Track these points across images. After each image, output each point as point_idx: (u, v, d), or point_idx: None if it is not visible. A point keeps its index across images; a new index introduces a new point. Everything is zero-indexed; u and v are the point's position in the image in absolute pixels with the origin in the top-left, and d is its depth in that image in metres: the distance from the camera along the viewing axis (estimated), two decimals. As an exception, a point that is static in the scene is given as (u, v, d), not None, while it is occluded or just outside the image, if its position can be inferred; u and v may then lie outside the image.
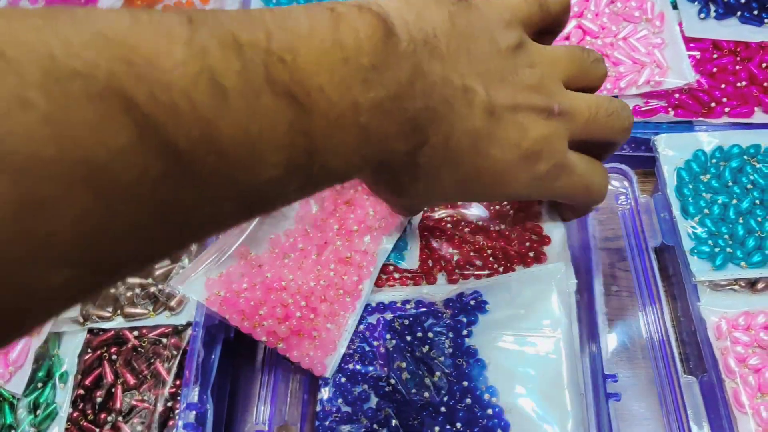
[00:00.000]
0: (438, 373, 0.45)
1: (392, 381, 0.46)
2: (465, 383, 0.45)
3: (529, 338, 0.46)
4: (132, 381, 0.48)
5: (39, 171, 0.17)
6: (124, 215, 0.20)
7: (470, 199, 0.38)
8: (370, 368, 0.47)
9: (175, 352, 0.49)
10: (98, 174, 0.19)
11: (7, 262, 0.17)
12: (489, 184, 0.35)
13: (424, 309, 0.48)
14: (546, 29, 0.38)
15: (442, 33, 0.30)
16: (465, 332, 0.47)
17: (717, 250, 0.51)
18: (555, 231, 0.49)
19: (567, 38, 0.64)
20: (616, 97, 0.61)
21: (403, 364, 0.46)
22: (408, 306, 0.49)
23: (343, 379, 0.46)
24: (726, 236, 0.52)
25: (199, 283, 0.45)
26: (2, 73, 0.17)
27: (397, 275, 0.51)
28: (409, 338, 0.47)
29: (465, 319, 0.47)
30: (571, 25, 0.65)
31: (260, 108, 0.22)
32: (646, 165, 0.59)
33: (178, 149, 0.20)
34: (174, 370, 0.49)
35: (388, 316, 0.48)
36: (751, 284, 0.51)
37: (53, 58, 0.18)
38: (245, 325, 0.44)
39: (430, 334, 0.47)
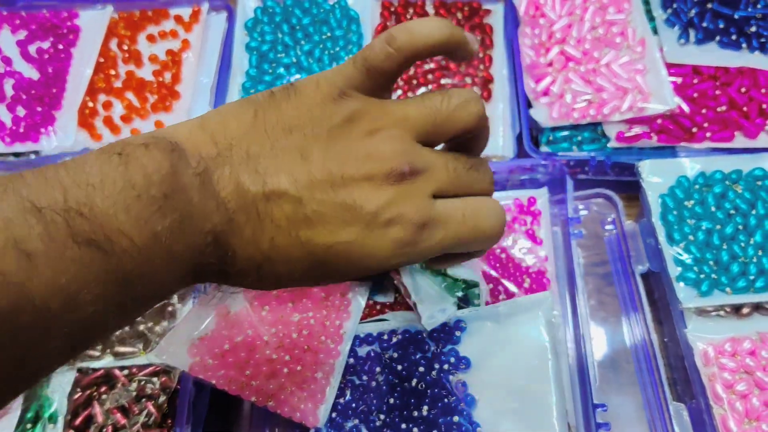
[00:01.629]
0: (426, 407, 0.45)
1: (382, 416, 0.46)
2: (455, 418, 0.45)
3: (517, 370, 0.46)
4: (122, 421, 0.48)
5: None
6: None
7: (340, 279, 0.36)
8: (361, 403, 0.47)
9: (165, 392, 0.49)
10: None
11: None
12: (343, 266, 0.33)
13: (411, 341, 0.48)
14: (391, 73, 0.35)
15: (239, 140, 0.31)
16: (453, 362, 0.47)
17: (702, 276, 0.52)
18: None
19: (550, 65, 0.65)
20: (599, 124, 0.62)
21: (391, 400, 0.46)
22: (394, 338, 0.49)
23: (333, 414, 0.46)
24: (711, 262, 0.53)
25: (181, 350, 0.45)
26: None
27: (378, 307, 0.51)
28: (398, 372, 0.47)
29: (452, 353, 0.47)
30: (554, 52, 0.65)
31: (66, 261, 0.25)
32: (631, 189, 0.60)
33: None
34: (164, 409, 0.48)
35: (378, 348, 0.49)
36: (736, 309, 0.52)
37: None
38: (232, 387, 0.44)
39: (421, 368, 0.47)
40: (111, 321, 0.29)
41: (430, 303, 0.43)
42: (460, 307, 0.48)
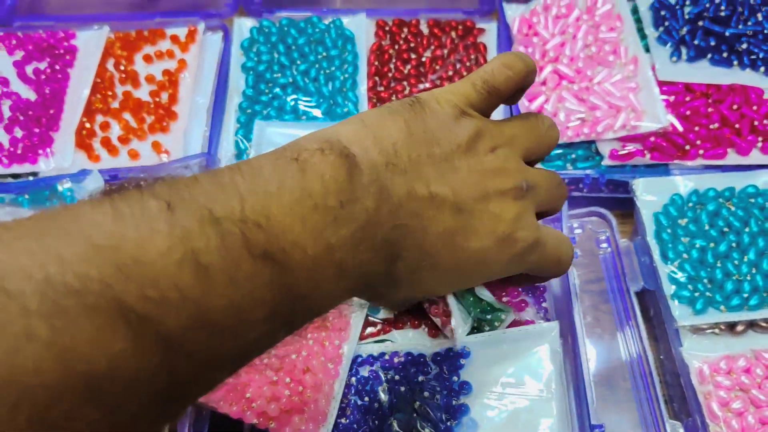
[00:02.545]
0: (427, 430, 0.46)
1: (381, 437, 0.46)
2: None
3: (520, 398, 0.46)
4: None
5: (48, 398, 0.19)
6: (126, 412, 0.21)
7: (448, 290, 0.41)
8: (363, 423, 0.47)
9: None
10: (99, 384, 0.20)
11: None
12: (469, 272, 0.36)
13: (414, 363, 0.49)
14: (509, 96, 0.38)
15: (402, 146, 0.32)
16: (455, 388, 0.47)
17: (697, 294, 0.52)
18: None
19: (544, 83, 0.66)
20: (592, 142, 0.63)
21: (394, 423, 0.46)
22: (396, 359, 0.49)
23: (335, 434, 0.46)
24: (705, 280, 0.53)
25: None
26: (7, 308, 0.19)
27: (378, 326, 0.51)
28: (400, 394, 0.47)
29: (455, 378, 0.48)
30: (546, 70, 0.66)
31: (241, 275, 0.24)
32: (625, 206, 0.61)
33: (170, 337, 0.22)
34: (165, 431, 0.48)
35: (380, 369, 0.49)
36: (731, 327, 0.52)
37: (48, 279, 0.20)
38: (233, 410, 0.44)
39: (426, 393, 0.47)
40: (278, 337, 0.28)
41: (461, 326, 0.45)
42: (473, 329, 0.49)
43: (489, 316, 0.44)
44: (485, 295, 0.44)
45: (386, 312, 0.51)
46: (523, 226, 0.35)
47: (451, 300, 0.44)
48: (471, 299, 0.44)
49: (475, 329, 0.48)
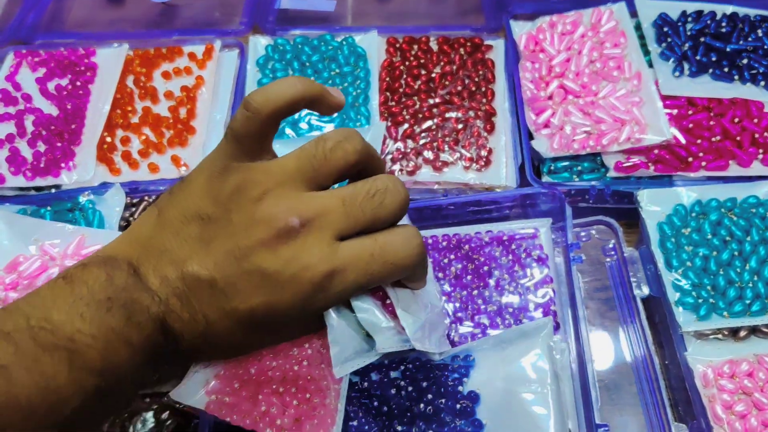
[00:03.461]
0: None
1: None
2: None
3: (519, 394, 0.48)
4: (144, 446, 0.50)
5: None
6: None
7: (283, 337, 0.43)
8: (374, 425, 0.48)
9: (187, 419, 0.51)
10: None
11: None
12: (273, 322, 0.36)
13: (421, 369, 0.50)
14: (259, 136, 0.37)
15: (152, 237, 0.37)
16: (460, 390, 0.49)
17: (700, 301, 0.54)
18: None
19: (550, 98, 0.68)
20: (598, 154, 0.65)
21: (399, 428, 0.48)
22: (404, 365, 0.51)
23: (348, 437, 0.48)
24: (708, 287, 0.55)
25: (198, 390, 0.47)
26: None
27: None
28: (408, 397, 0.49)
29: (461, 380, 0.49)
30: (553, 85, 0.68)
31: (41, 367, 0.31)
32: (630, 216, 0.62)
33: None
34: (185, 434, 0.50)
35: (389, 374, 0.50)
36: (734, 332, 0.54)
37: None
38: (247, 422, 0.46)
39: (429, 395, 0.49)
40: (97, 410, 0.34)
41: (345, 344, 0.39)
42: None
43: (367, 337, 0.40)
44: (362, 316, 0.39)
45: None
46: (300, 266, 0.34)
47: (331, 324, 0.39)
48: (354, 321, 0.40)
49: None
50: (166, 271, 0.36)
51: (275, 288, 0.35)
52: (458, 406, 0.48)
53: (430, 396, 0.49)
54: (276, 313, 0.36)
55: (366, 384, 0.50)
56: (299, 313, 0.36)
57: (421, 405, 0.48)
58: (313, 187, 0.36)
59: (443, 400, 0.49)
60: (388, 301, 0.40)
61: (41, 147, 0.69)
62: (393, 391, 0.50)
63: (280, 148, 0.64)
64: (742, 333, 0.54)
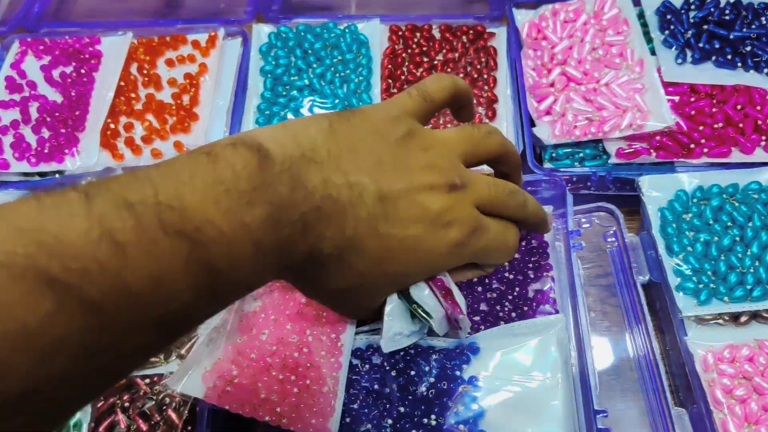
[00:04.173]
0: (434, 416, 0.47)
1: (390, 421, 0.48)
2: (461, 426, 0.47)
3: (526, 386, 0.48)
4: (145, 428, 0.50)
5: None
6: (59, 366, 0.25)
7: (392, 283, 0.40)
8: (374, 408, 0.49)
9: (186, 399, 0.51)
10: (32, 338, 0.24)
11: None
12: (405, 262, 0.38)
13: (423, 354, 0.50)
14: (453, 108, 0.43)
15: (321, 143, 0.35)
16: (465, 377, 0.49)
17: (701, 286, 0.54)
18: None
19: (552, 85, 0.68)
20: (599, 141, 0.65)
21: (402, 409, 0.48)
22: (406, 348, 0.51)
23: (348, 420, 0.48)
24: (709, 272, 0.55)
25: (195, 378, 0.47)
26: None
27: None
28: (409, 380, 0.49)
29: (464, 366, 0.49)
30: (555, 73, 0.68)
31: (158, 250, 0.27)
32: (631, 203, 0.62)
33: (93, 303, 0.25)
34: (185, 416, 0.50)
35: (390, 358, 0.51)
36: (735, 318, 0.54)
37: None
38: (246, 410, 0.46)
39: (431, 379, 0.49)
40: (202, 309, 0.31)
41: (399, 322, 0.43)
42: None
43: (420, 319, 0.43)
44: (418, 295, 0.42)
45: None
46: (456, 216, 0.38)
47: (390, 301, 0.42)
48: (411, 305, 0.43)
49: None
50: (331, 175, 0.34)
51: (430, 226, 0.37)
52: (459, 390, 0.49)
53: (432, 380, 0.49)
54: (417, 252, 0.37)
55: (366, 367, 0.50)
56: (434, 259, 0.39)
57: (422, 388, 0.49)
58: (466, 161, 0.40)
59: (444, 384, 0.49)
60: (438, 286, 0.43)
61: (45, 133, 0.69)
62: (393, 374, 0.50)
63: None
64: (743, 318, 0.53)
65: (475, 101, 0.69)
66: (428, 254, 0.38)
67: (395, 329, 0.42)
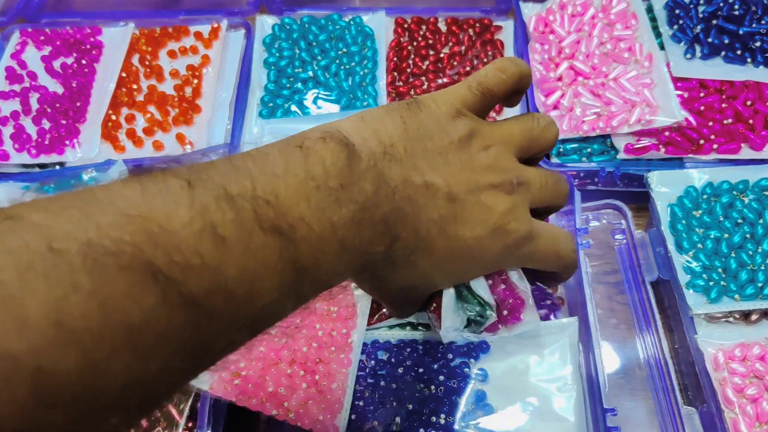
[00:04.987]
0: (443, 415, 0.46)
1: (398, 420, 0.47)
2: (471, 426, 0.46)
3: (537, 388, 0.47)
4: (145, 423, 0.49)
5: (92, 341, 0.21)
6: (158, 361, 0.24)
7: (448, 282, 0.40)
8: (380, 406, 0.48)
9: (187, 395, 0.50)
10: (135, 332, 0.23)
11: (72, 413, 0.22)
12: (464, 261, 0.37)
13: (432, 351, 0.50)
14: (506, 98, 0.41)
15: (398, 140, 0.34)
16: (474, 376, 0.48)
17: (711, 283, 0.53)
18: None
19: (560, 79, 0.67)
20: (608, 136, 0.64)
21: (410, 406, 0.47)
22: (416, 346, 0.50)
23: (353, 416, 0.47)
24: (720, 270, 0.54)
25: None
26: (55, 264, 0.21)
27: (386, 311, 0.52)
28: (418, 378, 0.48)
29: (472, 362, 0.49)
30: (563, 67, 0.67)
31: (253, 246, 0.27)
32: (640, 200, 0.62)
33: (194, 298, 0.24)
34: (186, 412, 0.50)
35: (399, 355, 0.50)
36: (745, 316, 0.53)
37: (90, 242, 0.22)
38: (252, 402, 0.45)
39: (441, 377, 0.48)
40: (287, 309, 0.31)
41: (452, 316, 0.42)
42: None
43: (477, 309, 0.42)
44: (479, 285, 0.42)
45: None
46: (515, 218, 0.37)
47: (447, 294, 0.42)
48: (465, 294, 0.43)
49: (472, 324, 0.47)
50: (411, 174, 0.34)
51: (492, 228, 0.36)
52: (467, 388, 0.48)
53: (441, 378, 0.48)
54: (475, 252, 0.37)
55: (373, 363, 0.50)
56: (488, 261, 0.38)
57: (432, 386, 0.48)
58: (521, 156, 0.40)
59: (454, 381, 0.48)
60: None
61: (46, 124, 0.68)
62: (401, 371, 0.49)
63: (284, 125, 0.65)
64: (754, 316, 0.53)
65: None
66: (485, 255, 0.37)
67: (449, 323, 0.42)
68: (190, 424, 0.49)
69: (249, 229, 0.26)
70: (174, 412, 0.50)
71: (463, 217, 0.36)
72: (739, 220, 0.56)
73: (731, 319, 0.53)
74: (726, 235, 0.55)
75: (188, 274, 0.24)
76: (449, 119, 0.37)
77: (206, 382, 0.46)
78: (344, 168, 0.31)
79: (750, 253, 0.54)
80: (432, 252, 0.36)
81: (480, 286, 0.41)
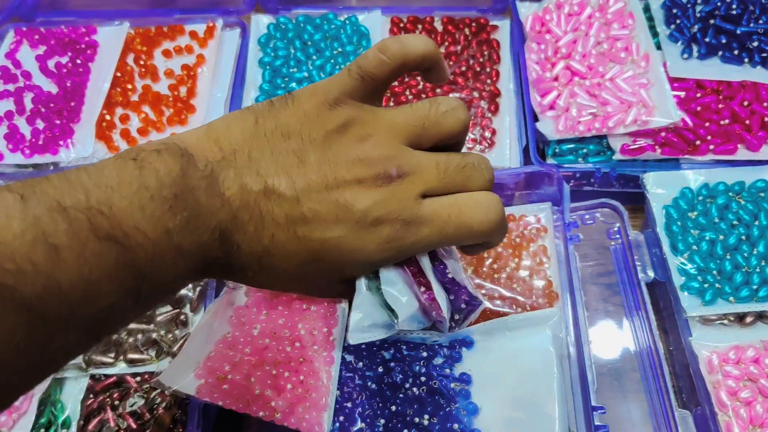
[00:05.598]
0: (427, 416, 0.46)
1: (383, 421, 0.47)
2: (456, 425, 0.46)
3: (522, 382, 0.47)
4: (134, 426, 0.49)
5: None
6: None
7: (330, 277, 0.38)
8: (367, 407, 0.48)
9: (177, 398, 0.50)
10: None
11: None
12: (335, 260, 0.36)
13: (415, 349, 0.49)
14: (385, 80, 0.37)
15: (241, 146, 0.34)
16: (458, 374, 0.48)
17: (706, 285, 0.53)
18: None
19: (556, 79, 0.66)
20: (604, 137, 0.64)
21: (393, 407, 0.47)
22: (399, 344, 0.50)
23: (342, 418, 0.47)
24: (714, 272, 0.53)
25: (187, 375, 0.46)
26: None
27: None
28: (401, 378, 0.48)
29: (456, 364, 0.48)
30: (559, 67, 0.67)
31: (88, 254, 0.28)
32: (636, 201, 0.61)
33: (26, 302, 0.26)
34: (176, 415, 0.49)
35: (384, 354, 0.50)
36: (740, 318, 0.52)
37: None
38: (239, 406, 0.45)
39: (422, 377, 0.48)
40: (128, 311, 0.32)
41: (367, 315, 0.39)
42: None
43: (388, 313, 0.40)
44: (390, 292, 0.38)
45: None
46: (387, 211, 0.35)
47: (360, 290, 0.39)
48: (379, 294, 0.39)
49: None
50: (248, 181, 0.34)
51: (355, 226, 0.35)
52: (452, 387, 0.47)
53: (423, 378, 0.48)
54: (342, 252, 0.35)
55: (360, 364, 0.49)
56: (365, 257, 0.36)
57: (415, 387, 0.48)
58: (413, 145, 0.37)
59: (437, 381, 0.48)
60: (418, 279, 0.40)
61: (40, 124, 0.68)
62: (382, 370, 0.49)
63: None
64: (749, 319, 0.52)
65: (477, 95, 0.68)
66: (356, 254, 0.36)
67: (363, 323, 0.39)
68: (180, 428, 0.49)
69: (83, 237, 0.28)
70: (164, 415, 0.49)
71: (316, 218, 0.35)
72: (735, 222, 0.56)
73: (726, 321, 0.53)
74: (721, 237, 0.55)
75: (21, 280, 0.26)
76: (323, 110, 0.36)
77: (193, 386, 0.46)
78: (178, 178, 0.31)
79: (745, 255, 0.54)
80: (288, 254, 0.35)
81: (392, 283, 0.38)
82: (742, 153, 0.62)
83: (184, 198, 0.31)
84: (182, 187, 0.31)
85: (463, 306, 0.41)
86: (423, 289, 0.39)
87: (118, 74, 0.71)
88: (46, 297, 0.27)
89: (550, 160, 0.64)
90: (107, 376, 0.51)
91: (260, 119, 0.35)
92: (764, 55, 0.66)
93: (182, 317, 0.54)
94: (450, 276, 0.40)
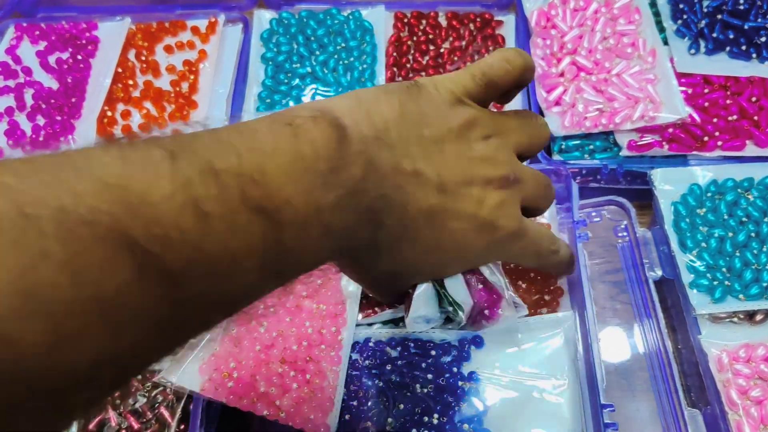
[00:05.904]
0: (436, 415, 0.46)
1: (391, 420, 0.46)
2: (465, 425, 0.45)
3: (531, 384, 0.46)
4: (136, 426, 0.48)
5: (62, 313, 0.20)
6: (131, 337, 0.23)
7: (431, 272, 0.39)
8: (373, 407, 0.47)
9: (179, 396, 0.49)
10: (108, 307, 0.22)
11: (40, 391, 0.20)
12: (449, 253, 0.37)
13: (423, 349, 0.49)
14: (505, 91, 0.39)
15: (392, 124, 0.33)
16: (466, 373, 0.47)
17: (716, 283, 0.52)
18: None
19: (562, 75, 0.66)
20: (610, 133, 0.63)
21: (401, 406, 0.46)
22: (407, 343, 0.49)
23: (347, 417, 0.46)
24: (724, 269, 0.53)
25: (192, 371, 0.45)
26: (25, 230, 0.20)
27: (377, 308, 0.51)
28: (409, 377, 0.47)
29: (464, 363, 0.48)
30: (565, 62, 0.66)
31: (237, 225, 0.26)
32: (643, 197, 0.60)
33: (172, 273, 0.24)
34: (178, 414, 0.49)
35: (391, 353, 0.49)
36: (750, 316, 0.52)
37: (64, 209, 0.21)
38: (244, 403, 0.44)
39: (429, 376, 0.47)
40: (265, 287, 0.30)
41: (422, 307, 0.41)
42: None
43: (450, 309, 0.42)
44: (455, 284, 0.41)
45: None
46: (505, 214, 0.36)
47: (421, 286, 0.41)
48: (442, 291, 0.41)
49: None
50: (401, 161, 0.33)
51: (480, 223, 0.36)
52: (460, 387, 0.47)
53: (430, 376, 0.47)
54: (463, 245, 0.36)
55: (367, 363, 0.49)
56: (474, 254, 0.38)
57: (422, 385, 0.47)
58: (518, 152, 0.39)
59: (444, 380, 0.47)
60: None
61: (41, 120, 0.67)
62: (389, 368, 0.48)
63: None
64: (759, 317, 0.52)
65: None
66: (470, 249, 0.37)
67: (420, 312, 0.41)
68: (182, 426, 0.48)
69: (233, 207, 0.25)
70: (165, 413, 0.49)
71: (453, 209, 0.35)
72: (744, 219, 0.55)
73: (735, 319, 0.52)
74: (730, 234, 0.54)
75: (167, 249, 0.23)
76: (449, 106, 0.36)
77: (197, 383, 0.45)
78: (334, 151, 0.29)
79: (755, 252, 0.53)
80: (417, 241, 0.35)
81: (456, 284, 0.40)
82: (751, 149, 0.61)
83: (338, 173, 0.29)
84: (338, 162, 0.29)
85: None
86: (479, 285, 0.42)
87: (120, 70, 0.71)
88: (191, 268, 0.24)
89: (556, 157, 0.63)
90: (109, 375, 0.51)
91: (403, 101, 0.34)
92: (772, 50, 0.65)
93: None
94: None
